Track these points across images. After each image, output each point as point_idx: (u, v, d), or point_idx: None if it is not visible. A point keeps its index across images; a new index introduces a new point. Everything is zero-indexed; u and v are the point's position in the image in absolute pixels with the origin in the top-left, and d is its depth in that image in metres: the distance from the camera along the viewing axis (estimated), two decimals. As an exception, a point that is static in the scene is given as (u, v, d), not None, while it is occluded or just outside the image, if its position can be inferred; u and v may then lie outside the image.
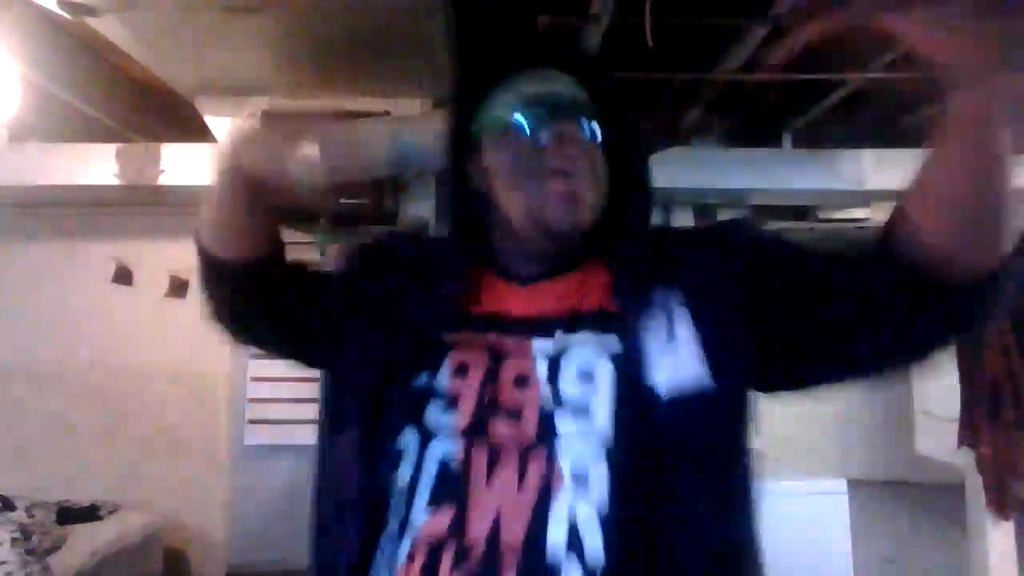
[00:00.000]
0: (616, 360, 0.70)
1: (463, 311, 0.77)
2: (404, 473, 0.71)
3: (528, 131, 0.75)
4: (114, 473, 2.67)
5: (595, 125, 0.77)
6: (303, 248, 2.26)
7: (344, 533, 0.72)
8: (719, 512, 0.68)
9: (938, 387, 4.07)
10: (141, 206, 2.73)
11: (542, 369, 0.71)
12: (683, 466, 0.67)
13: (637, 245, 0.78)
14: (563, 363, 0.71)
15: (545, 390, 0.70)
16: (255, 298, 0.83)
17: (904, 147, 2.84)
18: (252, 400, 2.18)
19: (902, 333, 0.71)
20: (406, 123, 2.06)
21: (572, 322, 0.73)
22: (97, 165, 2.44)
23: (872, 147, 2.82)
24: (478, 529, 0.66)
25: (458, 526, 0.66)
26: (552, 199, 0.74)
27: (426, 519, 0.68)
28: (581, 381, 0.69)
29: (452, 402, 0.72)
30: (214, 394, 2.63)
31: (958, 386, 3.23)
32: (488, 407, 0.71)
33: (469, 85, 0.83)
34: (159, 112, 2.73)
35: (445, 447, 0.70)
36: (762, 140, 2.85)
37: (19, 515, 2.20)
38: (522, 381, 0.71)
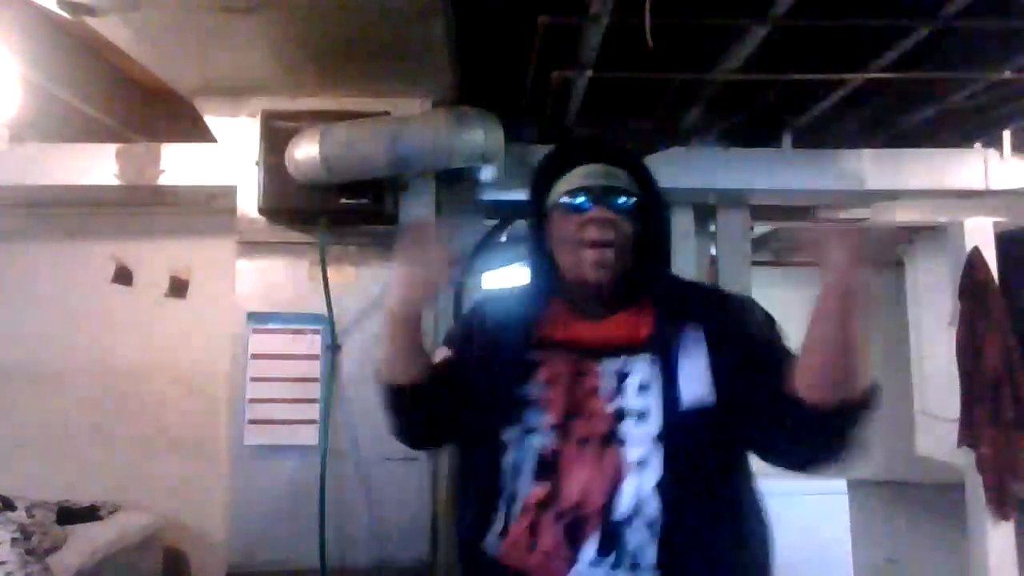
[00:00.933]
0: (662, 377, 0.98)
1: (547, 338, 1.07)
2: (510, 458, 1.01)
3: (574, 211, 1.06)
4: (114, 473, 2.67)
5: (629, 200, 1.06)
6: (303, 248, 2.27)
7: (467, 504, 1.06)
8: (731, 486, 1.00)
9: (938, 387, 4.07)
10: (141, 206, 2.73)
11: (611, 383, 1.01)
12: (705, 458, 0.96)
13: (671, 289, 1.10)
14: (628, 379, 1.00)
15: (614, 398, 0.99)
16: (428, 410, 1.10)
17: (904, 147, 2.84)
18: (252, 400, 2.17)
19: (800, 447, 0.98)
20: (406, 123, 2.05)
21: (631, 348, 1.03)
22: (97, 165, 2.43)
23: (872, 147, 2.82)
24: (570, 497, 0.95)
25: (556, 494, 0.96)
26: (586, 264, 1.04)
27: (531, 490, 0.98)
28: (640, 393, 0.99)
29: (544, 406, 1.01)
30: (214, 394, 2.62)
31: (958, 386, 3.23)
32: (571, 411, 1.00)
33: (546, 172, 1.13)
34: (159, 112, 2.73)
35: (541, 439, 1.00)
36: (762, 140, 2.85)
37: (19, 515, 2.20)
38: (594, 391, 1.00)
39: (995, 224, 3.29)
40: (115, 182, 2.43)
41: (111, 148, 2.45)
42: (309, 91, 2.25)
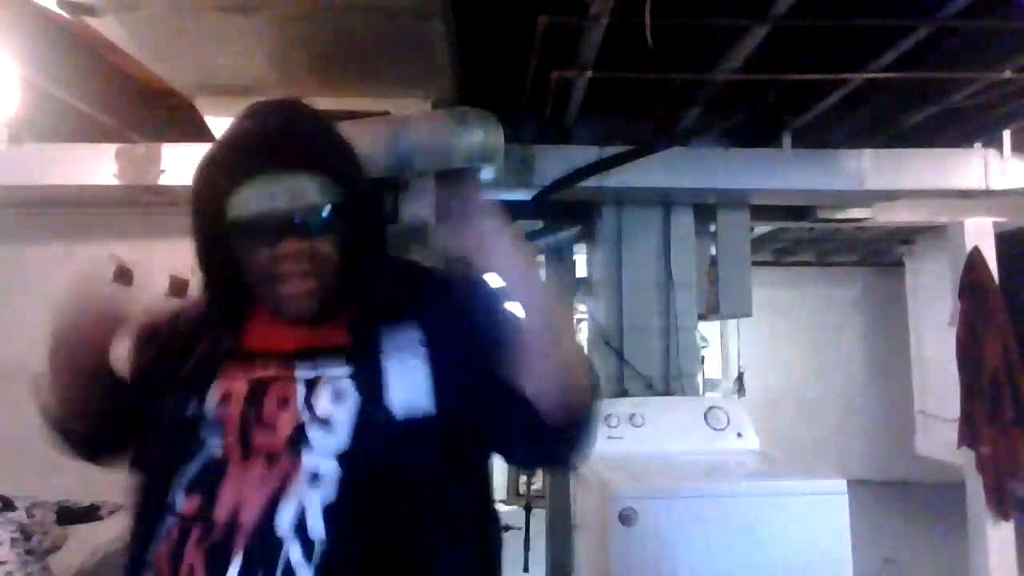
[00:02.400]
0: (357, 382, 0.86)
1: (237, 349, 0.93)
2: (175, 472, 0.88)
3: (259, 243, 0.88)
4: (114, 473, 2.67)
5: (322, 217, 0.89)
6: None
7: (134, 523, 0.92)
8: (440, 512, 0.85)
9: (938, 387, 4.08)
10: (141, 206, 2.73)
11: (301, 391, 0.87)
12: (410, 474, 0.84)
13: (382, 283, 0.96)
14: (320, 386, 0.87)
15: (301, 407, 0.86)
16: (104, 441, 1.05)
17: (904, 147, 2.85)
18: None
19: (530, 447, 0.94)
20: (406, 123, 2.05)
21: (329, 352, 0.89)
22: (97, 165, 2.43)
23: (872, 147, 2.82)
24: (221, 512, 0.82)
25: (207, 508, 0.83)
26: (285, 299, 0.89)
27: (184, 503, 0.85)
28: (333, 401, 0.86)
29: (219, 425, 0.87)
30: (214, 394, 2.63)
31: (958, 386, 3.23)
32: (251, 424, 0.86)
33: (215, 180, 0.94)
34: (159, 112, 2.73)
35: (210, 453, 0.87)
36: (762, 140, 2.85)
37: (19, 515, 2.20)
38: (284, 403, 0.87)
39: (995, 224, 3.30)
40: (115, 182, 2.43)
41: (111, 148, 2.45)
42: (309, 91, 2.25)
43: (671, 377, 3.16)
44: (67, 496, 2.49)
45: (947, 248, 3.44)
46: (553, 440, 0.90)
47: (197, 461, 0.87)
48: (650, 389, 3.14)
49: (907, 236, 4.65)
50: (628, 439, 2.65)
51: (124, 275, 2.80)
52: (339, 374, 0.88)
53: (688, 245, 2.95)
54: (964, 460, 3.23)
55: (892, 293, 5.77)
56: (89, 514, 2.46)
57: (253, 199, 0.88)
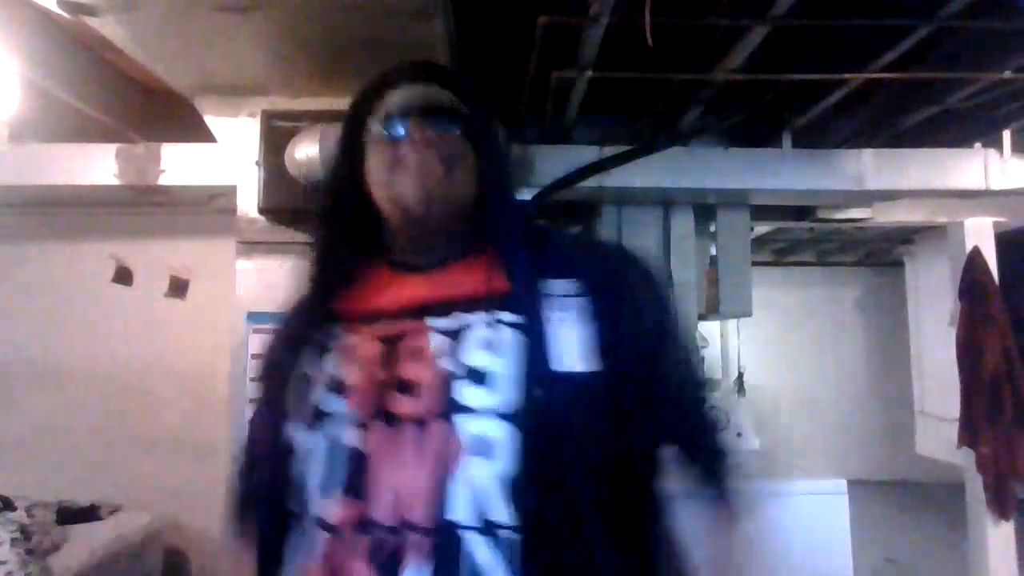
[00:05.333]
0: (519, 332, 0.73)
1: (355, 310, 0.83)
2: (300, 462, 0.74)
3: (388, 141, 0.84)
4: (114, 473, 2.67)
5: (455, 121, 0.85)
6: (303, 248, 2.26)
7: (258, 528, 0.79)
8: (613, 486, 0.71)
9: (938, 387, 4.08)
10: (141, 206, 2.73)
11: (440, 343, 0.74)
12: (588, 438, 0.70)
13: (512, 235, 0.84)
14: (465, 336, 0.74)
15: (444, 362, 0.72)
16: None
17: (904, 147, 2.84)
18: (252, 400, 2.17)
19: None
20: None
21: (469, 304, 0.77)
22: (97, 165, 2.43)
23: (872, 147, 2.82)
24: (382, 509, 0.68)
25: (361, 509, 0.69)
26: (403, 187, 0.81)
27: (323, 506, 0.71)
28: (484, 349, 0.73)
29: (345, 389, 0.74)
30: (214, 394, 2.62)
31: (958, 386, 3.23)
32: (384, 386, 0.73)
33: (354, 105, 0.92)
34: (159, 112, 2.73)
35: (338, 431, 0.72)
36: (762, 140, 2.85)
37: (19, 515, 2.20)
38: (417, 355, 0.74)
39: (995, 224, 3.29)
40: (115, 182, 2.43)
41: (111, 148, 2.45)
42: (309, 91, 2.25)
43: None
44: (67, 496, 2.50)
45: (947, 248, 3.43)
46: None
47: (321, 450, 0.73)
48: (650, 389, 3.13)
49: (907, 236, 4.65)
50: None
51: (124, 275, 2.80)
52: (486, 324, 0.75)
53: (688, 245, 2.95)
54: (964, 460, 3.22)
55: (892, 293, 5.77)
56: (89, 514, 2.46)
57: (393, 100, 0.87)
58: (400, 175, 0.82)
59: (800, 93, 2.50)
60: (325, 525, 0.70)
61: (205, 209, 2.64)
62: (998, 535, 3.11)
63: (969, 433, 3.16)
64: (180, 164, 2.41)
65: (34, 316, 2.79)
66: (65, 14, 1.73)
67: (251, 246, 2.28)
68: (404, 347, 0.75)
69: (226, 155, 2.31)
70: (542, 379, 0.70)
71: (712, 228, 3.09)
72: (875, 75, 2.19)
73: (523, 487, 0.67)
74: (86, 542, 2.25)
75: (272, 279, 2.27)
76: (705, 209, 3.04)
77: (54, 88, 2.29)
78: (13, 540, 2.03)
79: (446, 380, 0.71)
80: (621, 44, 1.93)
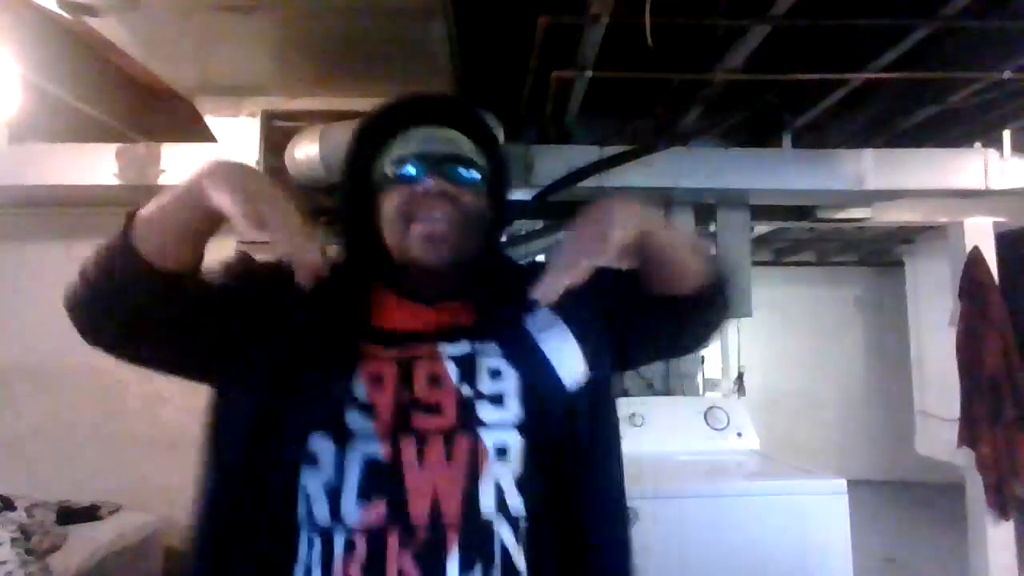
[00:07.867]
0: (513, 360, 0.84)
1: (369, 326, 0.86)
2: (324, 475, 0.77)
3: (404, 182, 0.86)
4: (114, 473, 2.67)
5: (471, 171, 0.88)
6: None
7: (251, 540, 0.77)
8: (605, 470, 0.87)
9: (938, 387, 4.08)
10: (141, 206, 2.73)
11: (453, 369, 0.82)
12: (581, 438, 0.84)
13: (499, 278, 0.92)
14: (477, 363, 0.83)
15: (461, 386, 0.81)
16: (166, 310, 0.81)
17: (904, 147, 2.85)
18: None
19: (675, 329, 0.97)
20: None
21: (475, 331, 0.86)
22: (97, 165, 2.43)
23: (872, 147, 2.82)
24: (419, 509, 0.76)
25: (399, 510, 0.75)
26: (415, 239, 0.85)
27: (361, 512, 0.75)
28: (492, 378, 0.83)
29: (369, 408, 0.79)
30: (214, 394, 2.63)
31: (958, 386, 3.23)
32: (407, 406, 0.80)
33: (367, 137, 0.92)
34: (159, 112, 2.73)
35: (369, 447, 0.77)
36: (762, 140, 2.85)
37: (19, 515, 2.20)
38: (435, 380, 0.81)
39: (995, 224, 3.29)
40: (115, 182, 2.43)
41: (111, 148, 2.45)
42: (309, 91, 2.25)
43: (671, 377, 3.16)
44: (67, 496, 2.50)
45: (947, 248, 3.44)
46: (705, 302, 0.91)
47: (351, 463, 0.77)
48: (650, 389, 3.15)
49: (907, 236, 4.65)
50: (628, 439, 2.62)
51: (124, 275, 2.80)
52: (493, 350, 0.84)
53: (688, 245, 2.95)
54: (964, 460, 3.23)
55: (892, 293, 5.77)
56: (89, 514, 2.46)
57: (410, 142, 0.88)
58: (415, 226, 0.85)
59: (800, 93, 2.50)
60: (368, 530, 0.75)
61: (205, 209, 2.64)
62: (998, 535, 3.11)
63: (969, 433, 3.16)
64: (180, 164, 2.41)
65: (34, 316, 2.78)
66: (66, 15, 1.73)
67: (251, 246, 2.27)
68: (419, 371, 0.82)
69: (226, 155, 2.31)
70: (538, 398, 0.83)
71: (712, 228, 3.09)
72: (875, 75, 2.19)
73: (527, 483, 0.80)
74: (86, 542, 2.25)
75: (272, 279, 2.27)
76: (705, 209, 3.04)
77: (54, 88, 2.29)
78: (13, 540, 2.03)
79: (468, 402, 0.81)
80: (621, 44, 1.93)
